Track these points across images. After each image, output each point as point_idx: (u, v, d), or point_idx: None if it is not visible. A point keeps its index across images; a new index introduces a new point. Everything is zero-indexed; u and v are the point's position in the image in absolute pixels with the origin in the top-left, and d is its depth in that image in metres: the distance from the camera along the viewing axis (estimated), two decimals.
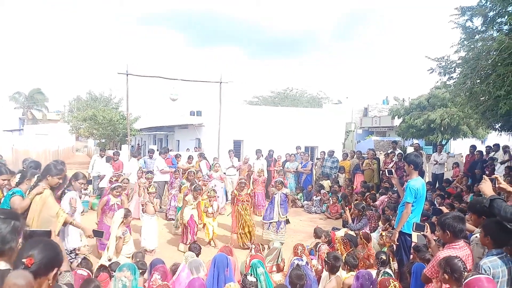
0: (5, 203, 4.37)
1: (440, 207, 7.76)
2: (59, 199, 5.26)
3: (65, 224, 4.73)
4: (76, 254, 5.47)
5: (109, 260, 5.87)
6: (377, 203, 9.81)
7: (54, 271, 2.09)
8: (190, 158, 12.42)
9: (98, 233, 5.14)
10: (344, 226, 8.36)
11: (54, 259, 2.11)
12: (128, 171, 11.55)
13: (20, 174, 4.99)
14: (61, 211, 4.61)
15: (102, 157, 13.27)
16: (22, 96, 50.16)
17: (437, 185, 11.63)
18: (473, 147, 12.10)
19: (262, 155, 13.44)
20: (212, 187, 9.42)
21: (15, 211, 3.77)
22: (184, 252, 7.32)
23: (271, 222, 8.09)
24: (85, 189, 11.00)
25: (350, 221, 7.82)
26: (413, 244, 5.45)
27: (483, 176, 3.96)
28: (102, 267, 4.63)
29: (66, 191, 5.33)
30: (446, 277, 3.15)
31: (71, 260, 5.23)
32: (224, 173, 12.12)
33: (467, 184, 10.50)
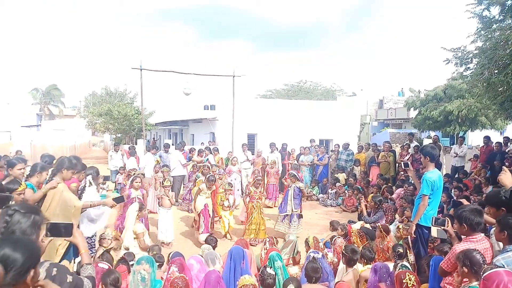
0: None
1: (460, 200, 7.68)
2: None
3: (83, 209, 4.79)
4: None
5: (126, 249, 6.00)
6: (393, 196, 9.74)
7: (31, 274, 1.82)
8: (200, 151, 12.49)
9: (119, 199, 5.11)
10: (359, 219, 8.34)
11: (28, 260, 1.79)
12: (143, 165, 11.71)
13: (30, 167, 5.07)
14: (77, 202, 4.68)
15: (116, 152, 13.49)
16: (39, 92, 50.97)
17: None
18: (487, 138, 11.92)
19: (277, 149, 13.44)
20: (232, 180, 9.49)
21: (35, 206, 3.86)
22: (202, 243, 7.43)
23: (285, 215, 8.16)
24: (103, 184, 11.21)
25: (365, 213, 7.80)
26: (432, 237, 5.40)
27: (503, 167, 3.89)
28: (121, 259, 4.71)
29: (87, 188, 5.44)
30: (465, 270, 3.11)
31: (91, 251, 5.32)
32: None
33: (486, 176, 10.33)
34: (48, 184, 4.54)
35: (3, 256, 1.73)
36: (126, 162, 12.41)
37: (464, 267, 3.13)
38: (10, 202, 3.45)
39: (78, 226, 4.87)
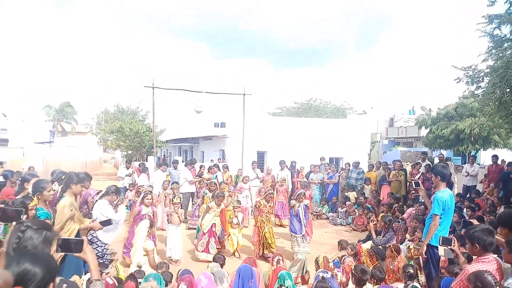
0: None
1: (471, 220, 7.54)
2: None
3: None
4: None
5: (139, 267, 6.00)
6: (404, 215, 9.60)
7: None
8: (211, 169, 12.54)
9: (105, 223, 5.07)
10: (368, 239, 8.22)
11: (48, 274, 1.82)
12: (152, 181, 11.78)
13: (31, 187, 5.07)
14: (72, 225, 4.67)
15: (127, 169, 13.62)
16: (53, 109, 51.85)
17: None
18: (495, 157, 11.80)
19: (287, 166, 13.42)
20: (245, 197, 9.50)
21: (47, 222, 3.89)
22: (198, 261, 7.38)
23: (303, 235, 8.00)
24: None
25: (373, 235, 7.66)
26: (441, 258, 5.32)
27: None
28: (130, 276, 4.71)
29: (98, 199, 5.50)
30: None
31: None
32: None
33: (499, 196, 10.16)
34: (67, 213, 4.55)
35: (24, 271, 1.75)
36: (137, 179, 12.50)
37: None
38: (22, 216, 3.51)
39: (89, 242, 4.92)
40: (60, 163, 20.94)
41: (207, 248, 7.61)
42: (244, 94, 15.95)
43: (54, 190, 6.05)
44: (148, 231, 6.63)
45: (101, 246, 5.40)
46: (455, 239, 4.18)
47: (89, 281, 2.96)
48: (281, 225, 11.22)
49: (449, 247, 4.13)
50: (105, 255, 5.46)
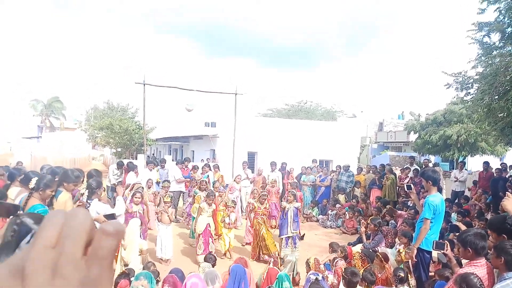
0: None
1: (457, 223, 7.64)
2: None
3: None
4: None
5: (125, 265, 5.95)
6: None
7: None
8: (204, 168, 12.49)
9: (109, 216, 4.81)
10: (358, 242, 8.27)
11: None
12: (140, 180, 11.65)
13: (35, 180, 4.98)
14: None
15: (118, 169, 13.46)
16: (41, 104, 51.09)
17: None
18: (486, 164, 11.98)
19: (277, 168, 13.45)
20: (235, 198, 9.50)
21: (43, 216, 3.81)
22: (200, 263, 7.34)
23: (288, 237, 8.02)
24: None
25: (364, 239, 7.71)
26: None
27: (507, 192, 3.90)
28: (123, 274, 4.67)
29: (89, 201, 5.42)
30: None
31: None
32: None
33: (486, 201, 10.31)
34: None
35: None
36: (126, 178, 12.35)
37: None
38: (19, 212, 3.45)
39: None
40: (48, 159, 20.66)
41: (206, 250, 7.54)
42: (236, 94, 15.94)
43: None
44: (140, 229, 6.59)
45: None
46: (447, 244, 4.24)
47: None
48: (274, 227, 11.19)
49: (442, 251, 4.19)
50: None
